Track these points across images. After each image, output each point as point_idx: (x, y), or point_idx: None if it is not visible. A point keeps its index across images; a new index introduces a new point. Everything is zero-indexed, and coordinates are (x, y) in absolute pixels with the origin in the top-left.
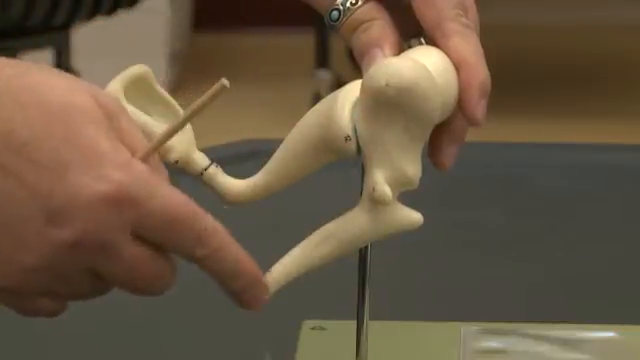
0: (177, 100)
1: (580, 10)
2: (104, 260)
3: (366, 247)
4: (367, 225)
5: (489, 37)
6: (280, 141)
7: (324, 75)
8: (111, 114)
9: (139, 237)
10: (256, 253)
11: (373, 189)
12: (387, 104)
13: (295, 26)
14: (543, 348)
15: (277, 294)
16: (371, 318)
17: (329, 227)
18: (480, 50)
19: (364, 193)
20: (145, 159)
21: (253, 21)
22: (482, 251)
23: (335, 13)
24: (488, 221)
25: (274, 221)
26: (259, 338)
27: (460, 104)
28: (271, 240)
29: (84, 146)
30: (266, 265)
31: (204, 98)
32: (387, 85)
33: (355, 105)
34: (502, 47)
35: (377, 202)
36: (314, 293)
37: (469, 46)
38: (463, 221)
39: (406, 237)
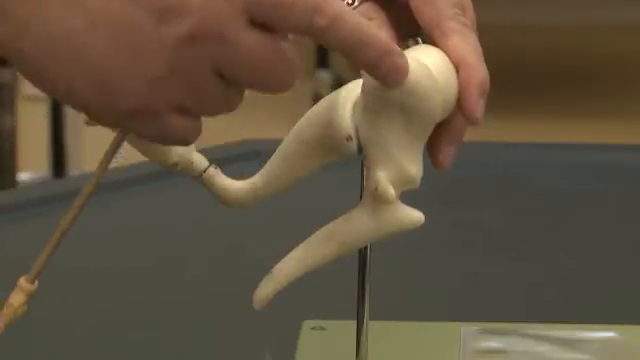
0: None
1: (580, 10)
2: (224, 50)
3: (366, 247)
4: (369, 225)
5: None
6: (280, 141)
7: (324, 75)
8: None
9: (254, 23)
10: (257, 253)
11: (375, 189)
12: (388, 103)
13: None
14: (543, 348)
15: (277, 294)
16: (371, 318)
17: (330, 227)
18: (479, 49)
19: (365, 193)
20: None
21: None
22: (481, 251)
23: None
24: (487, 221)
25: (274, 221)
26: (259, 338)
27: (459, 103)
28: (271, 240)
29: None
30: (267, 266)
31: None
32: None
33: (356, 105)
34: (502, 47)
35: (380, 201)
36: (314, 293)
37: (468, 45)
38: (462, 221)
39: (406, 237)
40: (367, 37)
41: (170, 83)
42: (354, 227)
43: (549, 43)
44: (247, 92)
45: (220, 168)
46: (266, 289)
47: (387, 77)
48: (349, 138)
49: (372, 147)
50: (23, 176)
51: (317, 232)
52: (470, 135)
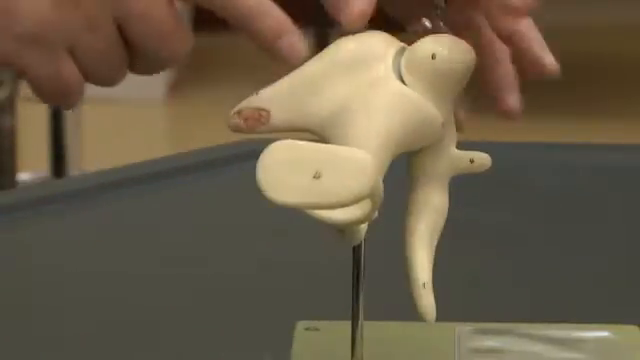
0: (177, 101)
1: (581, 10)
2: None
3: (359, 246)
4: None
5: None
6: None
7: None
8: None
9: None
10: (253, 254)
11: (472, 161)
12: (441, 76)
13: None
14: (539, 348)
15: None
16: (365, 318)
17: (423, 224)
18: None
19: (442, 170)
20: None
21: None
22: (479, 251)
23: None
24: (487, 221)
25: (272, 222)
26: (253, 339)
27: (494, 98)
28: (269, 242)
29: None
30: (264, 266)
31: None
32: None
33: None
34: None
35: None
36: (308, 294)
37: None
38: (460, 220)
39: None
40: (265, 5)
41: (72, 13)
42: (443, 211)
43: (549, 43)
44: (246, 93)
45: (220, 168)
46: (429, 299)
47: (282, 54)
48: (443, 124)
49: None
50: (23, 176)
51: (417, 226)
52: (469, 135)
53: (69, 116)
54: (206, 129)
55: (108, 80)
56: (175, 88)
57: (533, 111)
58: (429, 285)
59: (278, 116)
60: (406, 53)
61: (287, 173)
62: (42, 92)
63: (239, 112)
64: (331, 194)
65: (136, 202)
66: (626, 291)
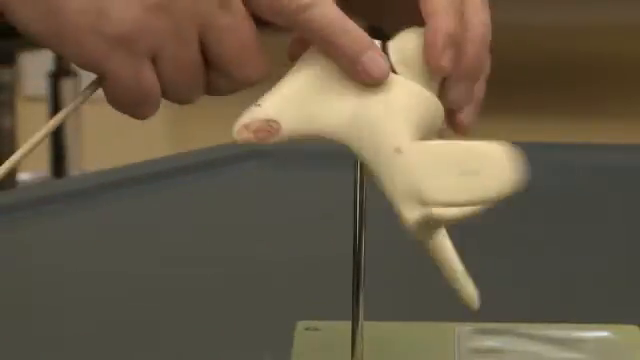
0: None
1: (580, 10)
2: (217, 13)
3: (360, 247)
4: None
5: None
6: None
7: None
8: None
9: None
10: (253, 254)
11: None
12: None
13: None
14: (538, 348)
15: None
16: (366, 318)
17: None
18: (454, 3)
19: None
20: None
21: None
22: (479, 251)
23: None
24: (486, 221)
25: (270, 223)
26: (254, 339)
27: (426, 54)
28: (267, 242)
29: None
30: (264, 267)
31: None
32: None
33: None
34: (502, 47)
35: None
36: (308, 294)
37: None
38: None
39: (402, 236)
40: (347, 22)
41: (161, 19)
42: None
43: (550, 43)
44: (246, 92)
45: (220, 168)
46: (470, 286)
47: (363, 71)
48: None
49: None
50: (23, 176)
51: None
52: (471, 136)
53: (69, 116)
54: (206, 129)
55: (184, 95)
56: None
57: (533, 111)
58: (464, 273)
59: (288, 126)
60: (393, 45)
61: (435, 175)
62: (118, 98)
63: (247, 126)
64: (486, 189)
65: (136, 202)
66: (626, 291)
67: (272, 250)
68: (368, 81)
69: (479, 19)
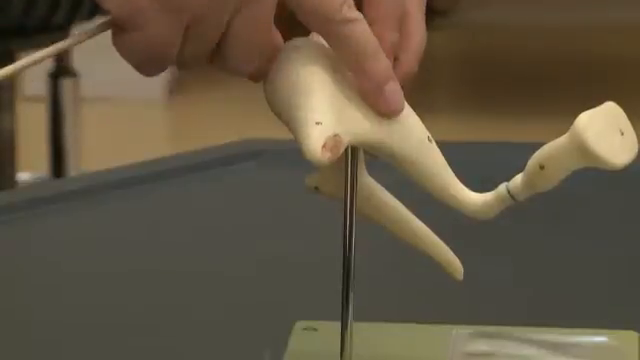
0: (177, 101)
1: (579, 10)
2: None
3: (350, 247)
4: None
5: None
6: (281, 141)
7: None
8: None
9: None
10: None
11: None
12: None
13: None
14: (534, 352)
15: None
16: (363, 319)
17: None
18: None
19: None
20: None
21: None
22: (478, 252)
23: None
24: (483, 223)
25: (267, 222)
26: (255, 338)
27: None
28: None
29: None
30: (262, 267)
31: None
32: None
33: None
34: (501, 47)
35: None
36: (309, 293)
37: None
38: (458, 222)
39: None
40: (379, 49)
41: None
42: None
43: (549, 43)
44: (247, 92)
45: (220, 168)
46: (451, 254)
47: (385, 100)
48: None
49: None
50: (23, 176)
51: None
52: (468, 136)
53: (69, 116)
54: (206, 129)
55: (187, 60)
56: (175, 88)
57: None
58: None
59: (345, 138)
60: None
61: (609, 139)
62: (136, 49)
63: (324, 146)
64: (636, 144)
65: (136, 202)
66: (625, 296)
67: (272, 250)
68: (384, 111)
69: (416, 29)
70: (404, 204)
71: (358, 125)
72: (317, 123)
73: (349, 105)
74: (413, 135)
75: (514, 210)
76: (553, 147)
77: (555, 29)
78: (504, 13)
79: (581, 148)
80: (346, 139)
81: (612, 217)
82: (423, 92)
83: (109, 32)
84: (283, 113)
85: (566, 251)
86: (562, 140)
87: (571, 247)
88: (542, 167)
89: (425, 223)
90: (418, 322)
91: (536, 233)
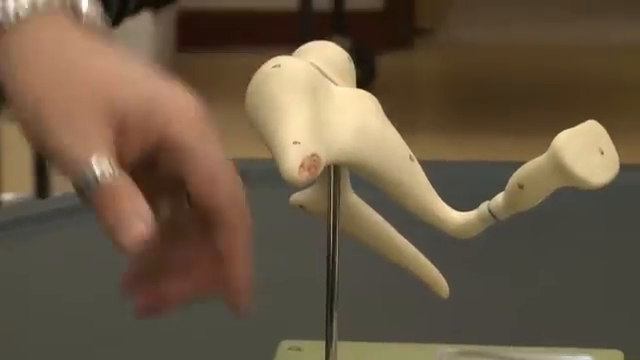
0: None
1: (563, 30)
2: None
3: (334, 266)
4: None
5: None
6: (264, 160)
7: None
8: None
9: None
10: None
11: None
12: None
13: (280, 45)
14: None
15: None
16: (347, 338)
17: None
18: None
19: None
20: None
21: (237, 40)
22: (461, 272)
23: None
24: (469, 242)
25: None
26: (242, 358)
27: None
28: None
29: None
30: (257, 285)
31: None
32: None
33: None
34: (495, 66)
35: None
36: (297, 313)
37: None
38: (444, 240)
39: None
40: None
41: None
42: None
43: (534, 62)
44: (232, 112)
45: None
46: (436, 271)
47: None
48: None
49: None
50: (6, 197)
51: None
52: (452, 154)
53: None
54: None
55: None
56: None
57: (520, 129)
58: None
59: (323, 158)
60: (324, 62)
61: (587, 159)
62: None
63: (302, 165)
64: (616, 163)
65: None
66: (611, 315)
67: (256, 269)
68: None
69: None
70: (390, 222)
71: (337, 144)
72: (295, 142)
73: (329, 124)
74: (395, 154)
75: (498, 228)
76: (532, 166)
77: (540, 48)
78: (489, 32)
79: (559, 167)
80: (325, 158)
81: (597, 236)
82: (407, 110)
83: None
84: (261, 131)
85: (551, 270)
86: (541, 159)
87: (556, 266)
88: (521, 186)
89: (411, 241)
90: (402, 341)
91: (521, 252)
